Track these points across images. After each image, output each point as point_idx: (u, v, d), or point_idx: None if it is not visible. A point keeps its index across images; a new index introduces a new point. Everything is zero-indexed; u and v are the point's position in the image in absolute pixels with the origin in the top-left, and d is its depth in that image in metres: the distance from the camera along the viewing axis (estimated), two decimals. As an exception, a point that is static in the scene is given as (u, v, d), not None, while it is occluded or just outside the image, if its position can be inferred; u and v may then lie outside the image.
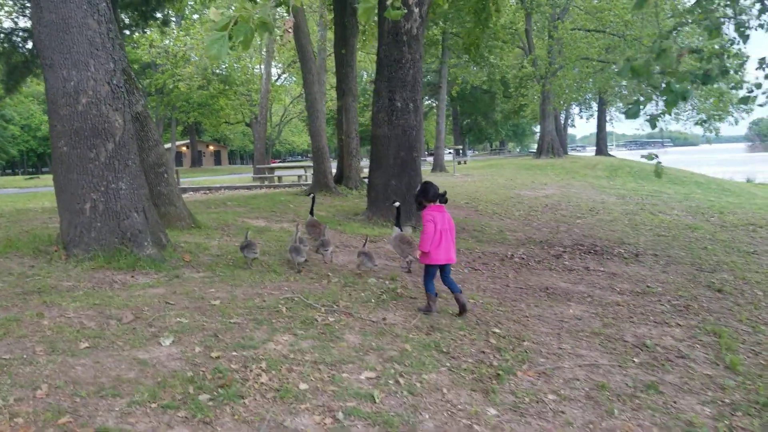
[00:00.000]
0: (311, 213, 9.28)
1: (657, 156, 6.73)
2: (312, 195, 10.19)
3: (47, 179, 45.69)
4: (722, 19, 9.83)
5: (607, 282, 8.29)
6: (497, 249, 10.32)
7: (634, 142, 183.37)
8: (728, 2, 9.39)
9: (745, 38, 8.72)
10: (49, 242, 7.58)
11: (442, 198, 5.80)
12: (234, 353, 4.36)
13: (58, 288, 5.79)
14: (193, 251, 7.74)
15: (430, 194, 5.78)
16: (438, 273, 5.87)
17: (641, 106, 6.71)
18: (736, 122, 50.16)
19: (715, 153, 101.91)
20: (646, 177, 31.00)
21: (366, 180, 19.16)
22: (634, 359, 5.14)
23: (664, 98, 6.54)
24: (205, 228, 9.60)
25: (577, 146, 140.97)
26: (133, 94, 8.71)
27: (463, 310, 5.82)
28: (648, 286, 8.12)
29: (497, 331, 5.43)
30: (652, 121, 6.84)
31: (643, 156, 6.76)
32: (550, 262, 9.51)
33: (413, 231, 11.45)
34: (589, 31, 35.37)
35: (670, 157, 70.22)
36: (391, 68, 11.60)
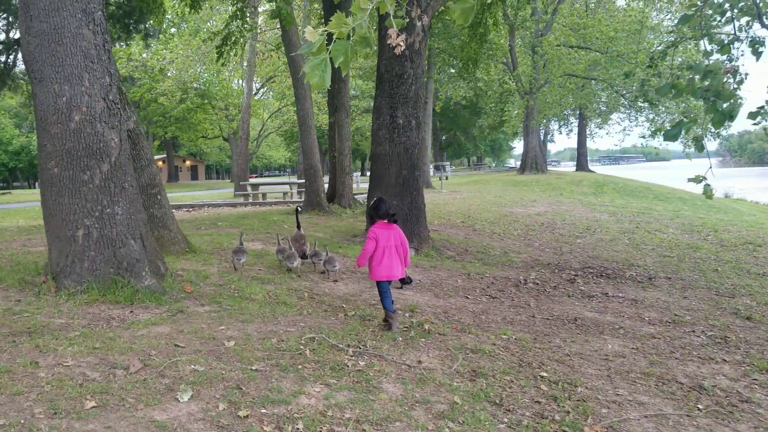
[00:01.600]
0: (298, 227, 9.28)
1: (705, 178, 6.33)
2: (297, 208, 10.05)
3: (19, 195, 44.40)
4: (730, 36, 9.51)
5: (633, 310, 7.85)
6: (508, 273, 9.84)
7: (608, 157, 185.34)
8: (730, 17, 9.10)
9: (758, 55, 8.42)
10: (35, 272, 6.91)
11: (391, 217, 5.97)
12: (264, 410, 3.79)
13: (51, 327, 5.16)
14: (193, 280, 7.12)
15: (380, 211, 6.02)
16: (387, 288, 5.97)
17: (683, 128, 6.32)
18: (715, 138, 50.67)
19: (686, 168, 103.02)
20: (632, 193, 30.90)
21: (357, 197, 18.67)
22: (698, 406, 4.66)
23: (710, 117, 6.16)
24: (200, 253, 8.97)
25: (552, 161, 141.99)
26: (125, 110, 8.10)
27: (388, 326, 5.87)
28: (676, 315, 7.70)
29: (545, 374, 4.92)
30: (698, 144, 6.44)
31: (690, 179, 6.35)
32: (566, 288, 9.05)
33: (416, 253, 10.96)
34: (572, 47, 35.37)
35: (644, 173, 70.67)
36: (392, 83, 11.12)
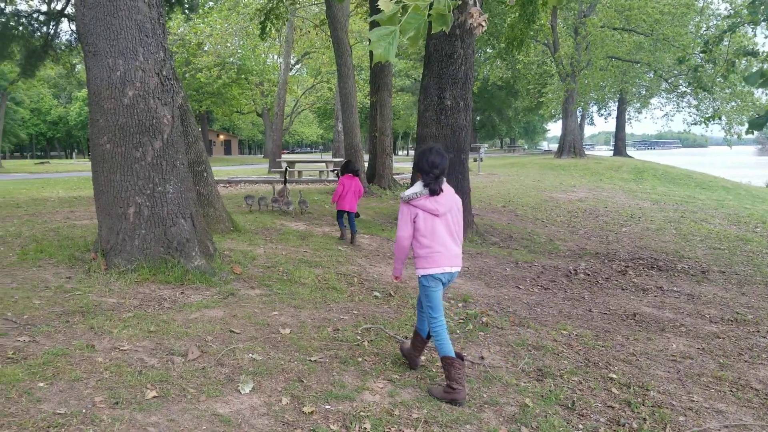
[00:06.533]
0: (285, 182, 11.85)
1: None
2: (286, 167, 13.09)
3: (58, 164, 45.08)
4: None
5: (691, 306, 7.54)
6: (556, 262, 9.57)
7: (644, 142, 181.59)
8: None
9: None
10: (84, 248, 6.84)
11: (355, 173, 9.32)
12: (327, 407, 3.63)
13: (103, 307, 5.06)
14: (241, 261, 6.99)
15: (348, 168, 9.44)
16: (346, 216, 9.19)
17: None
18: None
19: (724, 155, 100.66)
20: (673, 181, 30.15)
21: (396, 178, 18.44)
22: (779, 416, 4.39)
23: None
24: (245, 232, 8.85)
25: (586, 144, 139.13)
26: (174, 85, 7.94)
27: (351, 240, 9.05)
28: (737, 313, 7.37)
29: (614, 376, 4.69)
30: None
31: None
32: (618, 280, 8.77)
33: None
34: (615, 29, 34.42)
35: (681, 159, 69.03)
36: (441, 63, 10.81)
